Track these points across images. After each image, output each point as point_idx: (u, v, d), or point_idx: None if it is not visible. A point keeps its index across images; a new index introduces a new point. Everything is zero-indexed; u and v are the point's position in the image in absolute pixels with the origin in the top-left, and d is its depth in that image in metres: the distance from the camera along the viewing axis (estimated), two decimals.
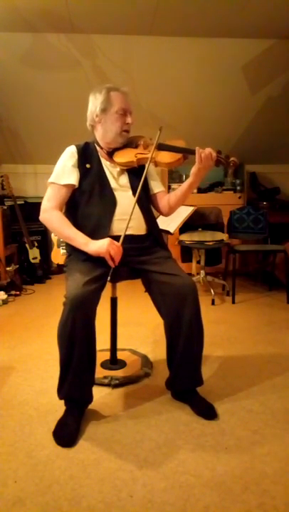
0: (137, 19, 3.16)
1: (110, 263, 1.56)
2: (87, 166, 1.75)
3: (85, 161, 1.75)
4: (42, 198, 1.80)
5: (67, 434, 1.49)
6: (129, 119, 1.75)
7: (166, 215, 1.91)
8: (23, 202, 4.30)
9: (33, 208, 4.44)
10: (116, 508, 1.16)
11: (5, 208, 4.04)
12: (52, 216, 1.71)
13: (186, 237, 3.41)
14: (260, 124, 4.30)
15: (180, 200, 1.84)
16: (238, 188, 4.38)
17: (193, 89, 3.86)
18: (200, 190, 4.35)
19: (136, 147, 1.78)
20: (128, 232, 1.71)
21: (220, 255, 3.92)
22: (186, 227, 3.39)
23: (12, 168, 4.53)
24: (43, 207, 1.73)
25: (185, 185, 1.78)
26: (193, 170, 1.70)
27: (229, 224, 3.83)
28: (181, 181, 4.24)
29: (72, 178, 1.72)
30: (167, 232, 3.11)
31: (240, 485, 1.25)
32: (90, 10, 3.02)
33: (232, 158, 1.70)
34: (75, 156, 1.74)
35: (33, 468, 1.33)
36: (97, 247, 1.58)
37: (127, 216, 1.66)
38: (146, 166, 1.68)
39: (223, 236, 3.42)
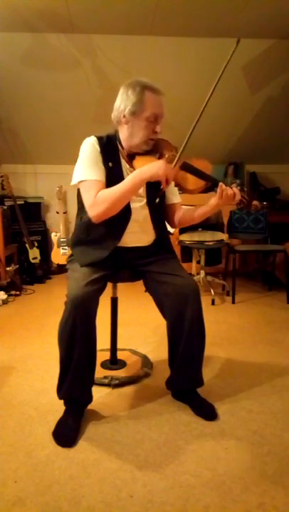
0: (137, 19, 3.16)
1: (165, 185, 1.46)
2: (110, 164, 1.61)
3: (108, 157, 1.61)
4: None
5: (67, 434, 1.49)
6: (158, 128, 1.60)
7: (173, 227, 1.88)
8: (23, 202, 4.30)
9: (33, 207, 4.47)
10: (116, 508, 1.16)
11: (5, 207, 4.03)
12: (99, 200, 1.52)
13: (186, 237, 3.41)
14: (260, 124, 4.30)
15: (190, 222, 1.78)
16: (238, 188, 4.37)
17: (193, 89, 3.86)
18: (206, 189, 4.34)
19: (159, 157, 1.62)
20: (137, 244, 1.71)
21: (220, 255, 3.92)
22: (186, 227, 3.38)
23: (12, 168, 4.53)
24: (88, 206, 1.56)
25: (200, 211, 1.69)
26: (212, 202, 1.60)
27: (229, 224, 3.83)
28: None
29: (101, 173, 1.58)
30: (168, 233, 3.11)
31: (240, 485, 1.25)
32: (90, 10, 3.02)
33: (254, 202, 1.59)
34: (97, 149, 1.59)
35: (33, 468, 1.33)
36: (155, 169, 1.45)
37: (139, 229, 1.64)
38: (160, 193, 1.57)
39: (223, 236, 3.42)
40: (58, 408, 1.64)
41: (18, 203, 4.03)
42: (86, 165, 1.58)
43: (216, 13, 3.09)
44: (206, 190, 1.69)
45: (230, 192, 1.54)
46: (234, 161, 4.55)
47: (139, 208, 1.69)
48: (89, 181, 1.56)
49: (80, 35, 3.38)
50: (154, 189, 1.63)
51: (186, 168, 1.59)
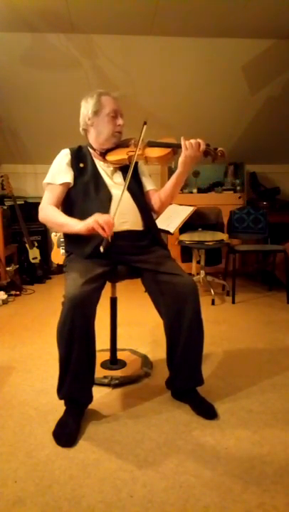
0: (137, 19, 3.16)
1: (101, 232, 1.52)
2: (81, 165, 1.80)
3: (79, 161, 1.80)
4: (42, 198, 1.80)
5: (67, 434, 1.49)
6: (120, 121, 1.80)
7: (158, 211, 1.92)
8: (23, 202, 4.31)
9: (33, 207, 4.43)
10: (116, 508, 1.16)
11: (5, 207, 4.04)
12: (47, 211, 1.75)
13: (186, 237, 3.41)
14: (260, 124, 4.30)
15: (171, 193, 1.85)
16: (238, 188, 4.38)
17: (193, 89, 3.86)
18: (200, 190, 4.35)
19: (127, 146, 1.82)
20: (125, 228, 1.75)
21: (220, 255, 3.92)
22: (186, 227, 3.38)
23: (12, 168, 4.53)
24: (40, 207, 1.78)
25: (173, 177, 1.81)
26: (181, 159, 1.71)
27: (229, 224, 3.83)
28: None
29: (68, 176, 1.77)
30: (167, 232, 3.11)
31: (240, 485, 1.25)
32: (90, 10, 3.02)
33: (219, 149, 1.70)
34: (68, 156, 1.80)
35: (33, 468, 1.33)
36: (85, 222, 1.58)
37: (123, 210, 1.70)
38: (134, 156, 1.70)
39: (223, 236, 3.42)
40: (58, 408, 1.64)
41: (18, 203, 4.03)
42: (54, 170, 1.79)
43: (216, 13, 3.09)
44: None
45: (194, 141, 1.67)
46: (234, 161, 4.55)
47: (119, 193, 1.72)
48: (53, 185, 1.77)
49: (80, 35, 3.38)
50: (133, 178, 1.80)
51: (151, 144, 1.79)
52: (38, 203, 1.82)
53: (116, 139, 1.81)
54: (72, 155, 1.80)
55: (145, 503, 1.18)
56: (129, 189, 1.78)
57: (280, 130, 4.39)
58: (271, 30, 3.36)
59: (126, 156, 1.77)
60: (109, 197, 1.75)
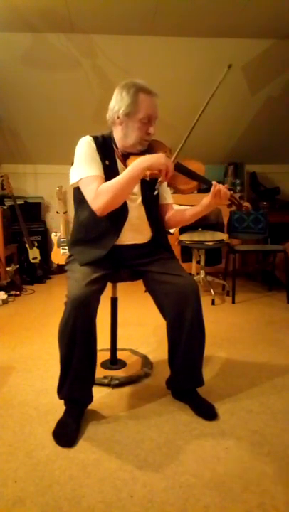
0: (137, 19, 3.16)
1: (164, 176, 1.47)
2: (107, 162, 1.63)
3: (104, 156, 1.62)
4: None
5: (67, 434, 1.49)
6: (151, 130, 1.60)
7: (167, 228, 1.89)
8: (23, 202, 4.30)
9: (33, 207, 4.47)
10: (116, 508, 1.16)
11: (5, 207, 4.03)
12: (102, 191, 1.51)
13: (186, 237, 3.41)
14: (260, 124, 4.30)
15: (182, 222, 1.82)
16: (238, 188, 4.38)
17: (193, 89, 3.86)
18: (200, 190, 4.31)
19: None
20: (133, 242, 1.73)
21: (220, 255, 3.92)
22: (186, 227, 3.38)
23: (12, 168, 4.53)
24: (94, 196, 1.53)
25: (191, 212, 1.71)
26: (204, 202, 1.62)
27: (229, 224, 3.83)
28: None
29: (100, 169, 1.59)
30: (167, 233, 3.11)
31: (240, 485, 1.25)
32: (90, 10, 3.02)
33: (245, 204, 1.62)
34: (94, 147, 1.61)
35: (33, 468, 1.33)
36: (157, 157, 1.47)
37: (136, 227, 1.67)
38: (158, 185, 1.59)
39: (223, 236, 3.42)
40: (58, 408, 1.64)
41: (18, 203, 4.03)
42: (84, 162, 1.59)
43: (216, 13, 3.09)
44: (202, 191, 1.69)
45: (224, 190, 1.56)
46: (234, 161, 4.55)
47: (135, 206, 1.70)
48: (89, 177, 1.56)
49: (80, 35, 3.38)
50: (149, 186, 1.66)
51: (179, 168, 1.60)
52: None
53: (142, 147, 1.63)
54: (97, 146, 1.61)
55: (145, 503, 1.18)
56: (144, 201, 1.72)
57: (280, 130, 4.39)
58: (271, 30, 3.36)
59: (148, 173, 1.51)
60: (125, 212, 1.65)
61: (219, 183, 1.60)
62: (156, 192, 1.56)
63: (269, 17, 3.14)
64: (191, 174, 1.61)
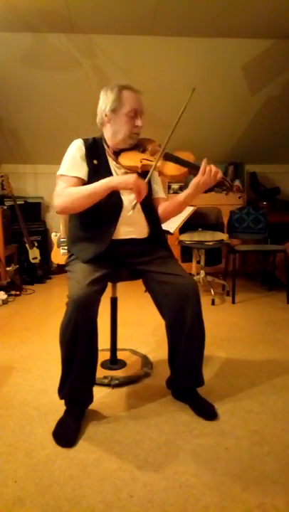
0: (137, 19, 3.16)
1: (138, 197, 1.52)
2: (95, 161, 1.70)
3: (93, 156, 1.70)
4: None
5: (67, 434, 1.49)
6: (139, 122, 1.69)
7: (161, 222, 1.89)
8: (23, 202, 4.30)
9: (33, 207, 4.47)
10: (116, 508, 1.16)
11: (5, 207, 4.03)
12: (66, 191, 1.60)
13: (186, 237, 3.41)
14: (260, 124, 4.30)
15: (175, 210, 1.82)
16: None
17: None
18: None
19: (143, 151, 1.72)
20: (130, 236, 1.73)
21: (220, 255, 3.92)
22: (186, 227, 3.38)
23: (12, 168, 4.53)
24: (56, 194, 1.63)
25: (182, 195, 1.73)
26: (194, 181, 1.64)
27: (229, 224, 3.83)
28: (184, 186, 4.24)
29: (82, 171, 1.67)
30: (167, 233, 3.11)
31: (240, 485, 1.25)
32: (90, 10, 3.02)
33: (236, 183, 1.68)
34: (82, 150, 1.69)
35: (33, 468, 1.33)
36: (125, 178, 1.54)
37: (131, 220, 1.68)
38: (150, 173, 1.61)
39: (223, 236, 3.42)
40: (58, 408, 1.64)
41: (18, 203, 4.03)
42: (68, 162, 1.69)
43: (216, 13, 3.09)
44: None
45: (214, 168, 1.61)
46: (234, 161, 4.55)
47: (129, 199, 1.71)
48: (66, 177, 1.66)
49: (80, 35, 3.38)
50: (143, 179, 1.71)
51: (169, 157, 1.67)
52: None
53: (132, 141, 1.71)
54: (86, 148, 1.70)
55: (145, 503, 1.18)
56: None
57: (280, 130, 4.39)
58: (271, 30, 3.36)
59: (139, 165, 1.64)
60: (120, 205, 1.69)
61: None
62: (130, 212, 1.58)
63: (269, 17, 3.14)
64: (180, 161, 1.67)
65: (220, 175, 1.63)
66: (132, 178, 1.52)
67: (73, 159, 1.68)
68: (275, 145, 4.56)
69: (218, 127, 4.26)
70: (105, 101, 1.69)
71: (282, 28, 3.31)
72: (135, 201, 1.55)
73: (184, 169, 1.66)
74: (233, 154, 4.59)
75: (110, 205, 1.66)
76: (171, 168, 1.66)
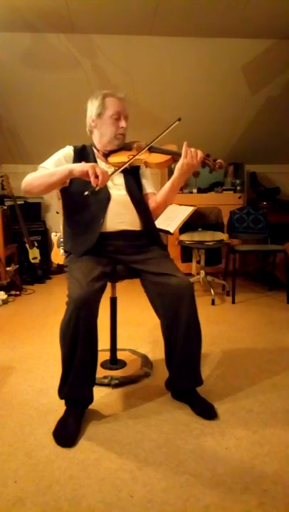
0: (137, 19, 3.16)
1: (93, 180, 1.52)
2: (84, 162, 1.76)
3: (81, 158, 1.79)
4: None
5: (67, 434, 1.49)
6: (123, 123, 1.80)
7: (154, 213, 1.92)
8: (23, 202, 4.30)
9: (33, 208, 4.47)
10: (116, 508, 1.16)
11: (5, 208, 4.03)
12: (31, 174, 1.70)
13: (186, 237, 3.41)
14: (260, 124, 4.30)
15: (166, 197, 1.86)
16: (238, 188, 4.38)
17: (193, 89, 3.86)
18: (200, 190, 4.35)
19: (130, 150, 1.84)
20: (122, 228, 1.77)
21: (220, 255, 3.93)
22: (186, 227, 3.39)
23: (12, 168, 4.53)
24: (24, 180, 1.72)
25: (169, 181, 1.81)
26: (178, 165, 1.73)
27: (229, 224, 3.83)
28: None
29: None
30: (167, 232, 3.11)
31: (240, 485, 1.25)
32: (90, 10, 3.02)
33: (218, 160, 1.74)
34: (70, 154, 1.82)
35: (33, 468, 1.33)
36: (82, 164, 1.60)
37: (122, 211, 1.74)
38: (132, 158, 1.72)
39: (223, 236, 3.42)
40: (58, 408, 1.64)
41: (18, 203, 4.03)
42: (51, 159, 1.80)
43: (216, 13, 3.09)
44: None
45: (193, 150, 1.70)
46: (234, 161, 4.55)
47: (119, 194, 1.79)
48: (44, 168, 1.75)
49: (80, 35, 3.38)
50: (131, 173, 1.85)
51: (153, 149, 1.82)
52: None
53: (119, 142, 1.82)
54: (75, 154, 1.82)
55: (145, 503, 1.18)
56: (128, 190, 1.82)
57: (280, 130, 4.39)
58: (271, 30, 3.36)
59: (126, 159, 1.77)
60: (107, 197, 1.76)
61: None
62: (86, 193, 1.57)
63: (269, 17, 3.14)
64: (164, 151, 1.81)
65: (200, 154, 1.70)
66: (87, 165, 1.56)
67: (57, 158, 1.79)
68: (275, 145, 4.56)
69: (218, 127, 4.26)
70: (91, 108, 1.82)
71: (282, 28, 3.31)
72: (93, 186, 1.56)
73: (168, 157, 1.79)
74: (233, 154, 4.59)
75: (98, 200, 1.73)
76: (156, 157, 1.80)
